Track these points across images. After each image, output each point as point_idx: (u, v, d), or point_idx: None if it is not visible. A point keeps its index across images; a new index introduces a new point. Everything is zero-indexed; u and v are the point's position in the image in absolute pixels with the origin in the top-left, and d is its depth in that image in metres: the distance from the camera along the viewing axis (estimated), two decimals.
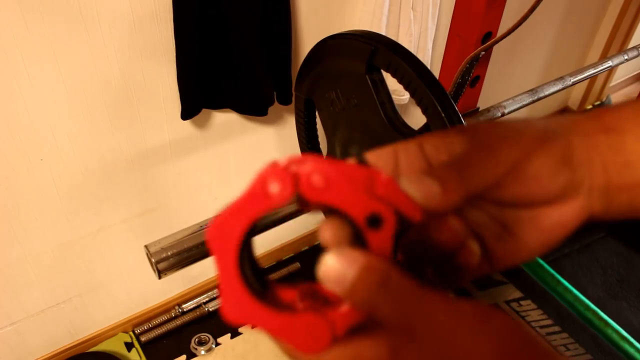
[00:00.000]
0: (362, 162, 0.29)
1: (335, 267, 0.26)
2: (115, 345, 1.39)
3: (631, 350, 1.06)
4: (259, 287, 0.27)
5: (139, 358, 1.37)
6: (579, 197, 0.32)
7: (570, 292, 1.10)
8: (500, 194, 0.30)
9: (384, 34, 1.04)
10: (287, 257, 1.66)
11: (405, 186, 0.28)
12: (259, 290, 0.27)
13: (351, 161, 0.28)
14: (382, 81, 0.75)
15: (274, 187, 0.25)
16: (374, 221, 0.26)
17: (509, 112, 1.04)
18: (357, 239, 0.27)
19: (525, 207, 0.31)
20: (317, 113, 0.93)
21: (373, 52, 0.72)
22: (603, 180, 0.31)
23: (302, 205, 0.27)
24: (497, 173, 0.29)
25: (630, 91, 2.59)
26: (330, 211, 0.27)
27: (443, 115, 0.66)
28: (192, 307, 1.47)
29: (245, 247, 0.27)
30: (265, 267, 1.61)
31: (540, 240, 0.33)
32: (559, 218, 0.32)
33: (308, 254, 1.68)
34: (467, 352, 0.25)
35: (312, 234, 1.69)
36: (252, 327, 0.27)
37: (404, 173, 0.29)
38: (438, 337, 0.25)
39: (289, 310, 0.28)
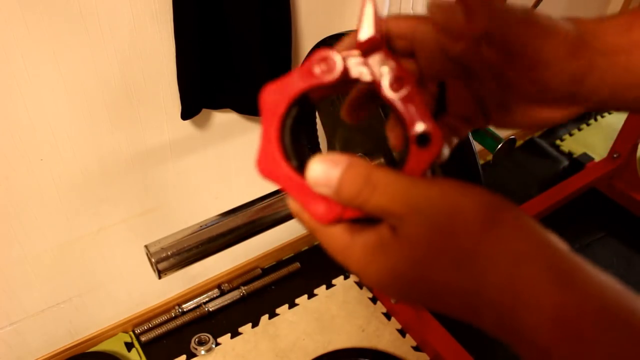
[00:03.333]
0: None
1: (321, 170, 0.28)
2: (115, 345, 1.39)
3: None
4: (293, 153, 0.30)
5: (139, 358, 1.37)
6: (579, 107, 0.33)
7: None
8: (512, 67, 0.31)
9: None
10: (287, 257, 1.66)
11: (434, 11, 0.30)
12: (291, 156, 0.30)
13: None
14: None
15: (322, 67, 0.29)
16: (423, 139, 0.29)
17: None
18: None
19: (527, 97, 0.33)
20: (317, 113, 0.93)
21: None
22: (612, 80, 0.31)
23: (341, 87, 0.31)
24: (519, 22, 0.30)
25: None
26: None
27: None
28: (192, 307, 1.47)
29: (290, 115, 0.30)
30: (265, 267, 1.61)
31: (530, 124, 0.35)
32: (554, 116, 0.34)
33: (308, 254, 1.68)
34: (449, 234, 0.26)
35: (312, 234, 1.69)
36: (279, 186, 0.30)
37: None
38: (425, 223, 0.27)
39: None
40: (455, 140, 0.38)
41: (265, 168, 0.30)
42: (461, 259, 0.26)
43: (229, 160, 1.30)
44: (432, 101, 0.35)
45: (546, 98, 0.32)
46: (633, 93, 0.31)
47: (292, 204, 0.31)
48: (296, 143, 0.31)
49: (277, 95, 0.29)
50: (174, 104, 1.09)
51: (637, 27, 0.31)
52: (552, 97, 0.32)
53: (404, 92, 0.29)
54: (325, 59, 0.29)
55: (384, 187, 0.27)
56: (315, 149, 0.99)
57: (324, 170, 0.28)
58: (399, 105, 0.29)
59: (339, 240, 0.30)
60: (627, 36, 0.31)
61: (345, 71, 0.29)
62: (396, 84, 0.29)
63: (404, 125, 0.29)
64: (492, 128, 1.13)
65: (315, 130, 0.97)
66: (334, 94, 0.36)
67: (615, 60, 0.31)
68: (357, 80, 0.30)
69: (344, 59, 0.29)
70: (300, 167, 0.30)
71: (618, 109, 0.34)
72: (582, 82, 0.31)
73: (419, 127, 0.29)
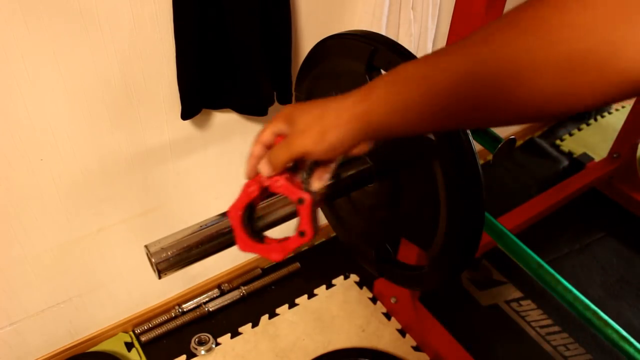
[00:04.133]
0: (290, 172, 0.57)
1: (264, 165, 0.55)
2: (115, 345, 1.39)
3: (631, 350, 1.05)
4: (253, 233, 0.61)
5: (139, 358, 1.37)
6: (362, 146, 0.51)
7: (570, 292, 1.10)
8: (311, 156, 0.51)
9: (384, 34, 1.04)
10: (287, 257, 1.66)
11: (260, 169, 0.56)
12: (253, 235, 0.61)
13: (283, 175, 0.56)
14: None
15: (252, 189, 0.59)
16: (300, 200, 0.56)
17: None
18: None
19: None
20: None
21: (373, 52, 0.72)
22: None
23: (265, 194, 0.59)
24: (306, 144, 0.49)
25: None
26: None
27: None
28: (192, 307, 1.47)
29: (245, 215, 0.60)
30: (265, 267, 1.61)
31: None
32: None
33: (308, 254, 1.68)
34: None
35: None
36: (253, 253, 0.60)
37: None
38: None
39: (266, 242, 0.61)
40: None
41: (242, 246, 0.60)
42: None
43: (229, 160, 1.30)
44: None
45: None
46: None
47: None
48: (252, 227, 0.61)
49: (235, 210, 0.59)
50: (174, 104, 1.09)
51: None
52: None
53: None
54: (250, 185, 0.58)
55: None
56: None
57: (264, 161, 0.55)
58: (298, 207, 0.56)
59: None
60: None
61: (265, 189, 0.57)
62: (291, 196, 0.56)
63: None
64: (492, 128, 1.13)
65: None
66: (263, 198, 0.61)
67: None
68: (273, 193, 0.58)
69: (262, 184, 0.57)
70: (259, 237, 0.62)
71: None
72: None
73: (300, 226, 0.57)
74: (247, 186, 0.58)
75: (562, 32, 0.32)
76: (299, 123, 0.50)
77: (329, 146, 0.48)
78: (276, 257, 0.58)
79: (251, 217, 0.60)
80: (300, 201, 0.55)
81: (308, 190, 0.55)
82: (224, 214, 0.68)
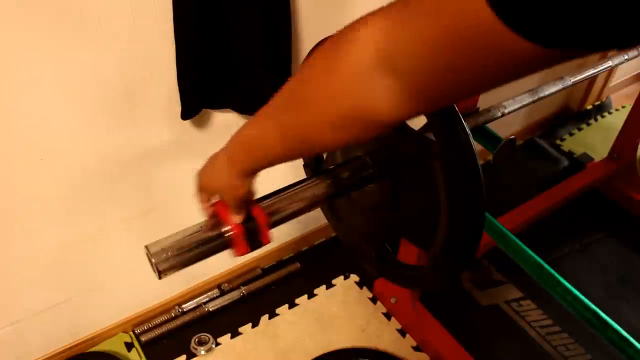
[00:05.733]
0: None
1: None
2: (115, 345, 1.39)
3: (631, 351, 1.05)
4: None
5: (139, 358, 1.37)
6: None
7: (570, 292, 1.10)
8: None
9: None
10: (287, 257, 1.66)
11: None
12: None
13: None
14: None
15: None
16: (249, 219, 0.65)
17: (509, 112, 1.04)
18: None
19: None
20: None
21: None
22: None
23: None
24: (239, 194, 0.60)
25: (630, 91, 2.59)
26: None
27: (444, 116, 0.66)
28: (192, 307, 1.47)
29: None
30: (265, 267, 1.61)
31: None
32: None
33: (308, 254, 1.68)
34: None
35: (312, 234, 1.69)
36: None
37: None
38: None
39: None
40: None
41: (241, 253, 0.66)
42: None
43: None
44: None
45: None
46: None
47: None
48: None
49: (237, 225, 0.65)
50: (174, 104, 1.09)
51: None
52: None
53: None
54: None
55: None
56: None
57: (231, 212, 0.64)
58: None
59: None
60: None
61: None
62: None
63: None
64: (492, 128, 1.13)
65: None
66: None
67: None
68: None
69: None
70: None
71: None
72: None
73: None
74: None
75: (321, 105, 0.43)
76: (202, 178, 0.65)
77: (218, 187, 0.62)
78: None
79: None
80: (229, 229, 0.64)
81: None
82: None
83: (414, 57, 0.34)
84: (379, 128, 0.42)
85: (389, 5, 0.36)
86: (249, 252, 0.65)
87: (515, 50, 0.28)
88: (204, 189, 0.65)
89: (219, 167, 0.61)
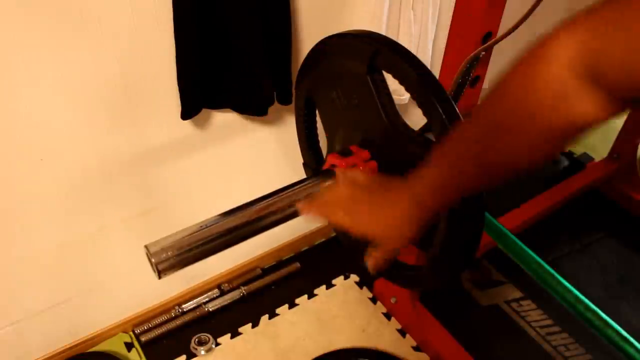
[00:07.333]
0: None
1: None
2: (115, 345, 1.39)
3: (631, 350, 1.05)
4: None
5: (139, 358, 1.37)
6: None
7: (570, 292, 1.10)
8: None
9: (384, 34, 1.04)
10: (287, 257, 1.66)
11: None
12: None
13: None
14: (383, 82, 0.75)
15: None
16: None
17: None
18: None
19: None
20: (317, 112, 0.93)
21: (375, 53, 0.72)
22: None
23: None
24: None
25: None
26: None
27: (444, 116, 0.66)
28: (192, 307, 1.47)
29: None
30: (265, 267, 1.61)
31: None
32: None
33: (308, 254, 1.68)
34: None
35: (312, 234, 1.69)
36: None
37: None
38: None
39: None
40: None
41: None
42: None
43: (229, 160, 1.30)
44: None
45: None
46: None
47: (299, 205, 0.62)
48: None
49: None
50: (174, 104, 1.09)
51: None
52: None
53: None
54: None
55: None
56: (315, 148, 0.99)
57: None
58: None
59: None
60: None
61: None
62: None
63: None
64: None
65: (316, 129, 0.97)
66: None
67: None
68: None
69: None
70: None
71: None
72: None
73: None
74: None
75: (526, 127, 0.44)
76: (368, 226, 0.62)
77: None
78: None
79: None
80: None
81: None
82: (225, 214, 0.68)
83: (626, 65, 0.35)
84: (584, 132, 0.44)
85: (583, 18, 0.38)
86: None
87: None
88: (367, 237, 0.62)
89: (400, 216, 0.59)
